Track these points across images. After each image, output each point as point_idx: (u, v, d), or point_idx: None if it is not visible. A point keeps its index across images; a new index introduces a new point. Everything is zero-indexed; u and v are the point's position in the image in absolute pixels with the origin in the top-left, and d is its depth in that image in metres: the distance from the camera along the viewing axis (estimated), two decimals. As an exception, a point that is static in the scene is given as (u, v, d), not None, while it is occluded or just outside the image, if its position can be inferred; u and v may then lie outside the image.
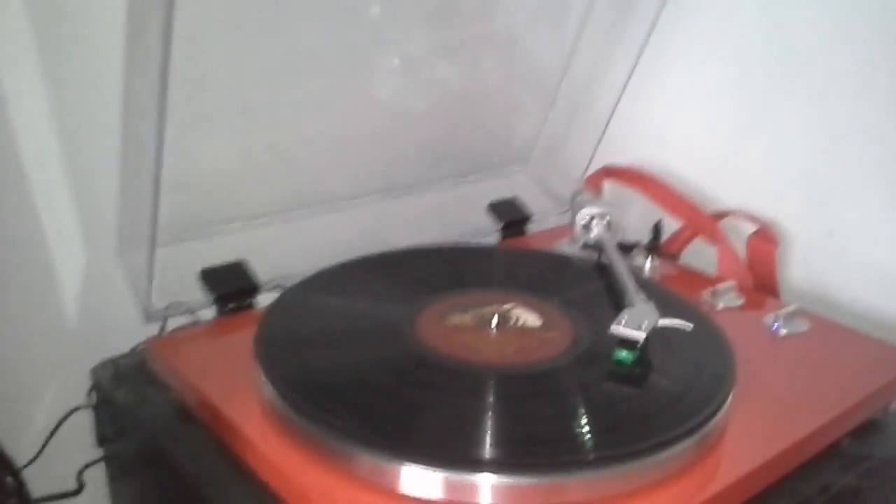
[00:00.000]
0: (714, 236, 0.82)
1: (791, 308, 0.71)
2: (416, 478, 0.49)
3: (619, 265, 0.68)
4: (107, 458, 0.76)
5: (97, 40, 0.69)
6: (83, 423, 0.74)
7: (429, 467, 0.49)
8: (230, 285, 0.72)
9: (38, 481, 0.71)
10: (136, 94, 0.63)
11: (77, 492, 0.74)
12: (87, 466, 0.75)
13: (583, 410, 0.54)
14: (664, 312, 0.61)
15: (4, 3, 0.66)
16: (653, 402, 0.56)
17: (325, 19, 0.76)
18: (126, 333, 0.72)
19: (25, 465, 0.70)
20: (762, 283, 0.81)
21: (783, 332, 0.69)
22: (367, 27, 0.80)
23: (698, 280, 0.80)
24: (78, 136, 0.72)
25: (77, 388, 0.73)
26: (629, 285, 0.64)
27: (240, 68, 0.71)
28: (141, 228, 0.65)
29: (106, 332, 0.76)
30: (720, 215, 0.86)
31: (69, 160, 0.72)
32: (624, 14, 0.91)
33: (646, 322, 0.58)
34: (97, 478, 0.76)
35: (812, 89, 0.81)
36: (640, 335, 0.57)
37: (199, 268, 0.73)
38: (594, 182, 0.94)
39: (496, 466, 0.49)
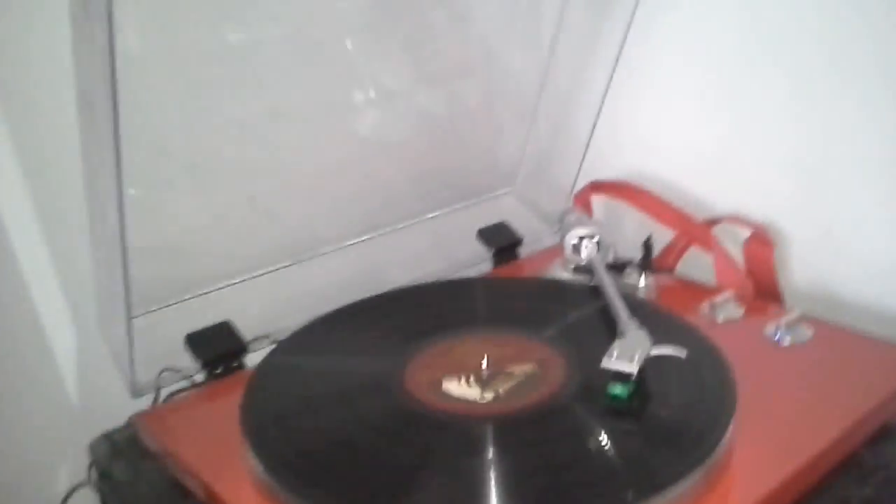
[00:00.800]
0: (708, 244, 0.80)
1: (793, 315, 0.69)
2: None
3: (610, 290, 0.66)
4: (114, 535, 0.74)
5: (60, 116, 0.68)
6: (88, 501, 0.73)
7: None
8: (217, 348, 0.71)
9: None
10: (94, 164, 0.61)
11: (86, 570, 0.73)
12: (93, 544, 0.74)
13: (581, 456, 0.52)
14: (658, 336, 0.59)
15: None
16: (652, 437, 0.54)
17: (293, 63, 0.74)
18: (126, 403, 0.70)
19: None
20: (763, 288, 0.78)
21: (786, 341, 0.67)
22: (339, 64, 0.78)
23: (697, 291, 0.77)
24: (57, 213, 0.71)
25: (79, 465, 0.72)
26: (620, 313, 0.62)
27: (203, 126, 0.70)
28: (116, 299, 0.63)
29: (105, 406, 0.73)
30: (713, 222, 0.83)
31: (52, 237, 0.72)
32: (596, 22, 0.89)
33: (638, 353, 0.56)
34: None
35: (796, 83, 0.78)
36: (633, 368, 0.55)
37: (185, 332, 0.71)
38: (583, 198, 0.92)
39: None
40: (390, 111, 0.86)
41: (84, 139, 0.62)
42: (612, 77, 0.88)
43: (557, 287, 0.78)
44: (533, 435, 0.55)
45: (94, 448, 0.71)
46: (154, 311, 0.70)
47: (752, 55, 0.81)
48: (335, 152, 0.83)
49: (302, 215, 0.82)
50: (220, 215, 0.75)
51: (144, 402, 0.70)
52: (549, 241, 0.96)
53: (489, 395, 0.59)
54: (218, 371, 0.71)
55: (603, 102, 0.90)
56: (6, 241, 0.70)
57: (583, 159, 0.94)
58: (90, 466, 0.72)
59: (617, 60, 0.87)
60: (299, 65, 0.75)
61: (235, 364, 0.71)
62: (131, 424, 0.69)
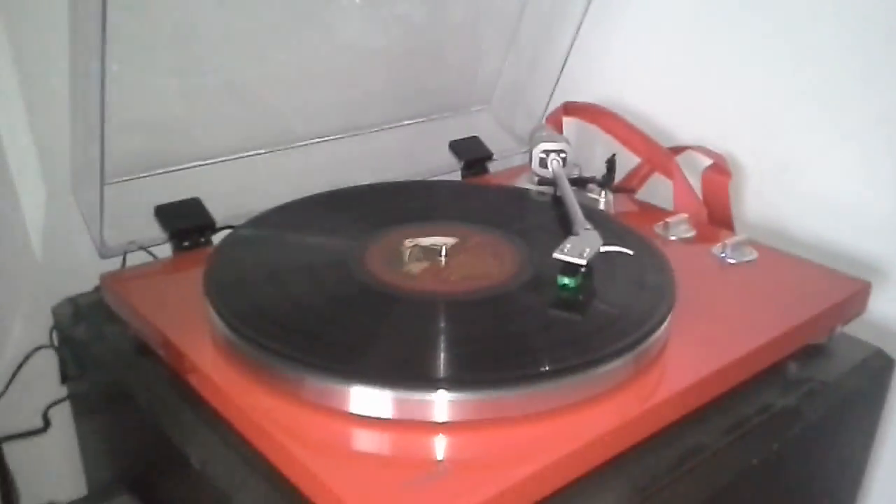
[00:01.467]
0: (670, 170, 0.83)
1: (739, 238, 0.72)
2: (363, 397, 0.50)
3: (569, 197, 0.69)
4: (71, 396, 0.77)
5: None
6: (48, 362, 0.75)
7: (375, 386, 0.50)
8: (185, 222, 0.73)
9: (4, 420, 0.72)
10: (80, 28, 0.62)
11: (43, 429, 0.76)
12: (52, 405, 0.76)
13: (525, 331, 0.55)
14: (610, 241, 0.62)
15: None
16: (595, 322, 0.57)
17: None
18: (92, 273, 0.72)
19: (-10, 404, 0.71)
20: (717, 217, 0.82)
21: (731, 261, 0.71)
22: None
23: (654, 214, 0.81)
24: (36, 74, 0.71)
25: (42, 327, 0.74)
26: (576, 215, 0.65)
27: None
28: (91, 166, 0.65)
29: (69, 273, 0.76)
30: (678, 150, 0.86)
31: (28, 96, 0.71)
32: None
33: (588, 249, 0.59)
34: (63, 416, 0.78)
35: (762, 26, 0.81)
36: (582, 261, 0.58)
37: (154, 205, 0.73)
38: (554, 119, 0.94)
39: (440, 383, 0.50)
40: (375, 19, 0.87)
41: (73, 4, 0.63)
42: (588, 6, 0.91)
43: (521, 194, 0.80)
44: (478, 312, 0.58)
45: (56, 311, 0.73)
46: (127, 180, 0.71)
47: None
48: (317, 52, 0.84)
49: (278, 107, 0.83)
50: (198, 96, 0.76)
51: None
52: (518, 160, 0.98)
53: (445, 278, 0.62)
54: (185, 245, 0.72)
55: (578, 30, 0.93)
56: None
57: (556, 83, 0.96)
58: (52, 329, 0.74)
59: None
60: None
61: (203, 240, 0.73)
62: (97, 290, 0.72)
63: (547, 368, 0.51)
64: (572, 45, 0.93)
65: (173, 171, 0.75)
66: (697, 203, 0.81)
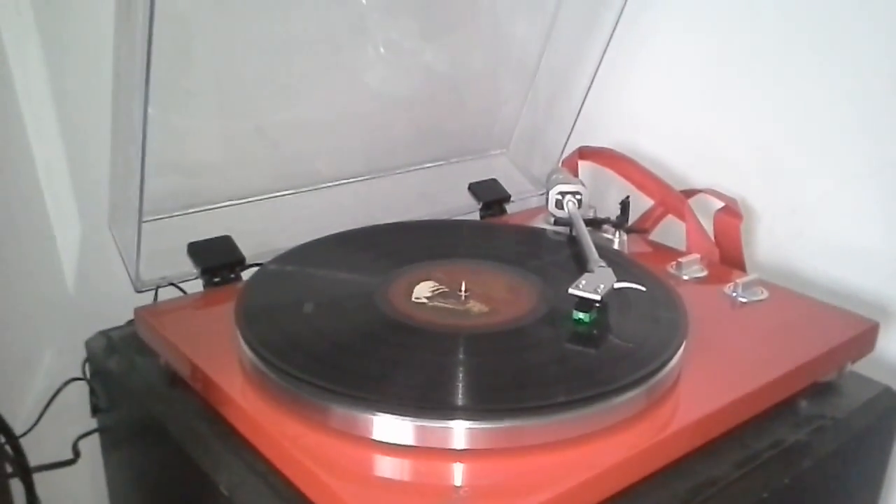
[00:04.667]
0: (682, 212, 0.86)
1: (750, 278, 0.74)
2: (386, 425, 0.52)
3: (584, 236, 0.72)
4: (101, 429, 0.79)
5: (94, 22, 0.72)
6: (79, 394, 0.78)
7: (397, 415, 0.52)
8: (216, 258, 0.76)
9: (34, 450, 0.74)
10: (125, 73, 0.66)
11: (72, 461, 0.77)
12: (81, 437, 0.78)
13: (541, 363, 0.58)
14: (624, 278, 0.65)
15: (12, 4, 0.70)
16: (609, 356, 0.60)
17: (313, 3, 0.79)
18: (122, 308, 0.75)
19: (22, 435, 0.74)
20: (729, 257, 0.84)
21: (742, 300, 0.72)
22: (355, 12, 0.83)
23: (667, 255, 0.83)
24: (76, 114, 0.75)
25: (74, 360, 0.77)
26: (590, 253, 0.67)
27: (226, 48, 0.75)
28: (130, 204, 0.68)
29: (103, 306, 0.79)
30: (690, 192, 0.89)
31: (67, 135, 0.75)
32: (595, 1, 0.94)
33: (602, 285, 0.61)
34: (92, 448, 0.80)
35: (772, 76, 0.85)
36: (596, 296, 0.60)
37: (187, 242, 0.76)
38: (570, 163, 0.97)
39: (459, 412, 0.52)
40: (399, 67, 0.91)
41: (117, 49, 0.67)
42: (604, 54, 0.95)
43: (538, 233, 0.83)
44: (497, 345, 0.60)
45: (90, 344, 0.76)
46: (162, 218, 0.75)
47: (735, 47, 0.88)
48: (343, 98, 0.88)
49: (306, 150, 0.87)
50: (231, 139, 0.80)
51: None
52: (535, 202, 1.01)
53: (464, 312, 0.65)
54: (216, 280, 0.75)
55: (594, 77, 0.96)
56: (25, 139, 0.74)
57: (572, 128, 0.99)
58: (85, 362, 0.77)
59: (610, 39, 0.93)
60: (319, 9, 0.80)
61: (233, 276, 0.76)
62: (130, 324, 0.74)
63: (562, 399, 0.53)
64: (588, 92, 0.96)
65: (206, 209, 0.79)
66: (710, 244, 0.84)
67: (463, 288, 0.67)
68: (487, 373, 0.57)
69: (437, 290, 0.68)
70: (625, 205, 0.83)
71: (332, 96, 0.86)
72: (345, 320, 0.64)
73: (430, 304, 0.66)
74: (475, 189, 0.97)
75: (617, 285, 0.62)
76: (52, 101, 0.73)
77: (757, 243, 0.88)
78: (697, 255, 0.80)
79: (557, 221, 0.83)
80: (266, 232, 0.82)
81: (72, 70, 0.74)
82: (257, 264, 0.76)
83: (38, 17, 0.71)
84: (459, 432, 0.52)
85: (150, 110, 0.62)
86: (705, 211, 0.88)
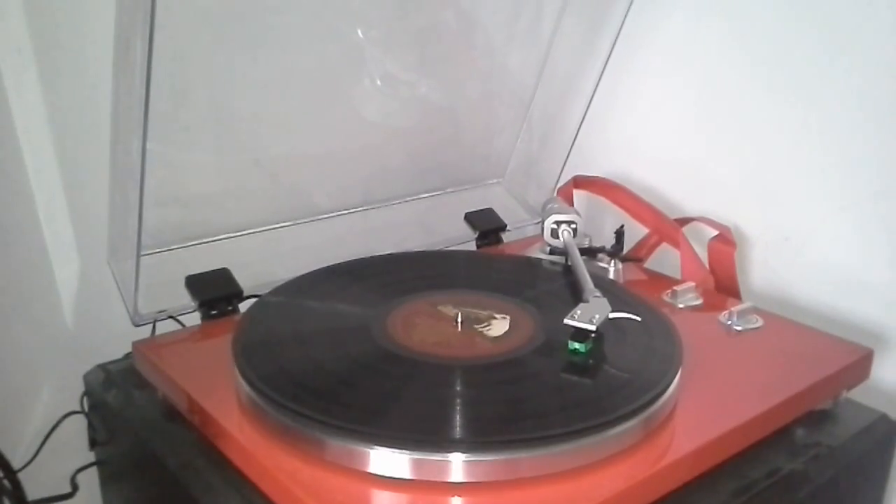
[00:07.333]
0: (677, 240, 0.86)
1: (745, 305, 0.74)
2: (382, 459, 0.53)
3: (579, 266, 0.72)
4: (99, 462, 0.79)
5: (92, 61, 0.74)
6: (78, 427, 0.78)
7: (394, 448, 0.52)
8: (213, 291, 0.76)
9: (32, 484, 0.74)
10: (123, 110, 0.67)
11: (70, 495, 0.77)
12: (80, 470, 0.78)
13: (537, 394, 0.58)
14: (619, 308, 0.65)
15: (9, 38, 0.71)
16: (605, 386, 0.60)
17: (309, 38, 0.81)
18: (121, 341, 0.75)
19: (21, 468, 0.74)
20: (723, 285, 0.85)
21: (737, 328, 0.73)
22: (352, 46, 0.84)
23: (662, 283, 0.83)
24: (75, 150, 0.76)
25: (72, 393, 0.77)
26: (585, 283, 0.68)
27: (223, 83, 0.75)
28: (128, 238, 0.69)
29: (101, 340, 0.80)
30: (684, 221, 0.90)
31: (66, 171, 0.76)
32: (590, 30, 0.96)
33: (597, 315, 0.62)
34: (90, 481, 0.80)
35: (769, 99, 0.85)
36: (592, 326, 0.61)
37: (185, 275, 0.77)
38: (565, 192, 0.98)
39: (456, 445, 0.52)
40: (396, 99, 0.92)
41: (116, 86, 0.68)
42: (598, 84, 0.96)
43: (533, 263, 0.84)
44: (493, 377, 0.61)
45: (88, 378, 0.76)
46: (160, 251, 0.75)
47: (727, 75, 0.89)
48: (340, 130, 0.89)
49: (303, 182, 0.88)
50: (229, 173, 0.80)
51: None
52: (531, 230, 1.02)
53: (460, 343, 0.65)
54: (213, 313, 0.76)
55: (589, 107, 0.97)
56: (24, 174, 0.75)
57: (567, 157, 1.00)
58: (83, 395, 0.77)
59: (604, 69, 0.94)
60: (315, 43, 0.81)
61: (230, 308, 0.76)
62: (128, 357, 0.75)
63: (559, 431, 0.53)
64: (582, 121, 0.97)
65: (204, 242, 0.79)
66: (704, 272, 0.84)
67: (459, 319, 0.68)
68: (484, 405, 0.57)
69: (433, 320, 0.68)
70: (619, 234, 0.83)
71: (330, 129, 0.87)
72: (341, 352, 0.64)
73: (426, 335, 0.66)
74: (471, 218, 0.98)
75: (612, 315, 0.63)
76: (51, 136, 0.74)
77: (751, 270, 0.88)
78: (692, 284, 0.80)
79: (553, 251, 0.84)
80: (264, 264, 0.82)
81: (70, 106, 0.75)
82: (255, 296, 0.77)
83: (37, 55, 0.72)
84: (457, 465, 0.52)
85: (148, 145, 0.63)
86: (699, 239, 0.89)
